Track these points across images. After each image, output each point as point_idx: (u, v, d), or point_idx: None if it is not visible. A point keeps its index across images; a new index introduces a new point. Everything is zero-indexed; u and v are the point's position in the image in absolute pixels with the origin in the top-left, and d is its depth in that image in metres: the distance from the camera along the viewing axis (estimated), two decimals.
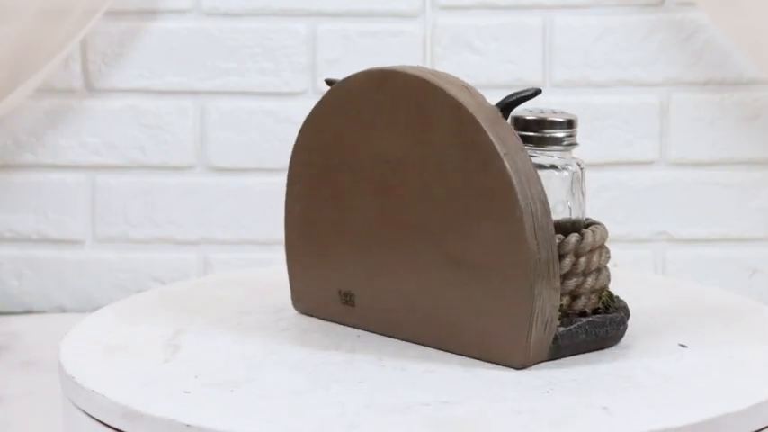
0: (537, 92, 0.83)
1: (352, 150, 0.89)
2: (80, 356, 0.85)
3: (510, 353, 0.81)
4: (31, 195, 1.61)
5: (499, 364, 0.82)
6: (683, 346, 0.86)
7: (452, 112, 0.82)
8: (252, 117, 1.59)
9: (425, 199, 0.85)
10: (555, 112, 0.87)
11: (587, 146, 1.58)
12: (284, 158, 1.59)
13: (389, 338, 0.88)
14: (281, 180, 1.60)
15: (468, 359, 0.83)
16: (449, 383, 0.79)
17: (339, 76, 1.57)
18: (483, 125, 0.81)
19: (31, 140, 1.60)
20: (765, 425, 0.75)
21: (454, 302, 0.84)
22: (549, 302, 0.80)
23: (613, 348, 0.85)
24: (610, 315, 0.86)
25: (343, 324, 0.92)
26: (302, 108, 1.58)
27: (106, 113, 1.60)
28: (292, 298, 0.96)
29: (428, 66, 1.58)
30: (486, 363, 0.82)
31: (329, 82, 0.91)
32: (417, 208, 0.85)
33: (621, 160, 1.59)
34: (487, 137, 0.80)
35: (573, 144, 0.87)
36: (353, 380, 0.80)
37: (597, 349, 0.85)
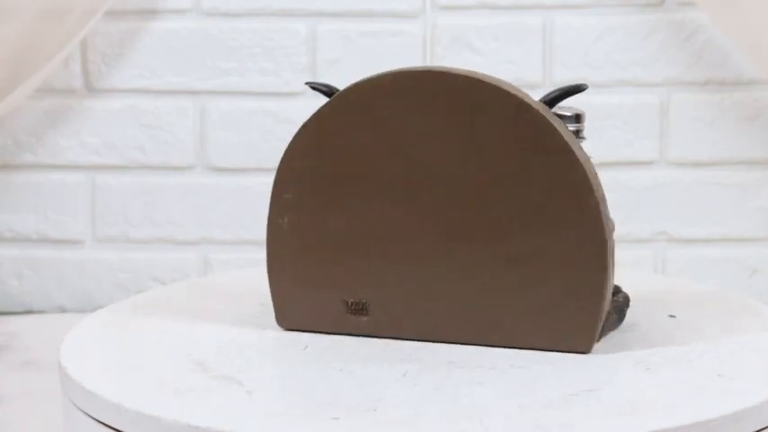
0: (581, 87, 0.86)
1: (372, 155, 0.86)
2: (80, 357, 0.85)
3: (579, 339, 0.84)
4: (31, 195, 1.61)
5: (564, 352, 0.85)
6: (671, 316, 0.88)
7: (513, 109, 0.83)
8: (252, 117, 1.60)
9: (473, 199, 0.85)
10: (562, 107, 0.88)
11: (587, 146, 1.58)
12: None
13: (427, 342, 0.87)
14: None
15: (521, 351, 0.86)
16: (562, 375, 0.80)
17: (339, 75, 1.58)
18: (549, 119, 0.83)
19: (31, 140, 1.60)
20: (765, 425, 0.75)
21: (507, 298, 0.85)
22: (610, 288, 0.84)
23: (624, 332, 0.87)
24: (621, 297, 0.90)
25: (349, 334, 0.89)
26: (302, 108, 1.59)
27: (106, 113, 1.60)
28: (277, 315, 0.91)
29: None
30: (549, 352, 0.85)
31: (316, 87, 0.90)
32: (459, 207, 0.85)
33: (621, 160, 1.59)
34: (555, 130, 0.83)
35: (581, 138, 0.88)
36: (477, 381, 0.79)
37: (615, 329, 0.89)
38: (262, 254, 1.60)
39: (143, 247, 1.61)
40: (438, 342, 0.87)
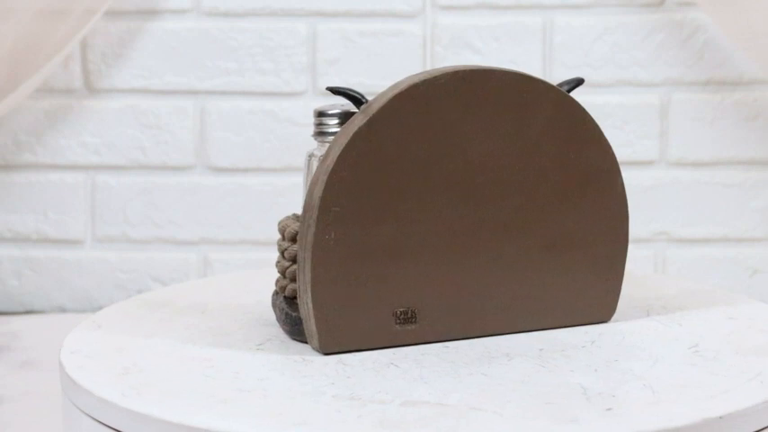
0: (580, 81, 0.92)
1: (426, 158, 0.84)
2: (80, 357, 0.85)
3: (602, 310, 0.92)
4: (31, 195, 1.61)
5: (588, 324, 0.91)
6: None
7: (554, 101, 0.88)
8: (252, 117, 1.60)
9: (520, 191, 0.87)
10: None
11: None
12: (284, 158, 1.60)
13: (479, 338, 0.88)
14: (281, 180, 1.61)
15: (552, 331, 0.90)
16: (623, 345, 0.86)
17: (339, 75, 1.58)
18: (586, 110, 0.91)
19: (31, 140, 1.60)
20: (765, 425, 0.75)
21: (546, 283, 0.89)
22: None
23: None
24: None
25: (396, 346, 0.86)
26: (302, 108, 1.59)
27: (106, 113, 1.60)
28: (319, 342, 0.84)
29: (428, 66, 1.58)
30: (576, 326, 0.91)
31: (336, 91, 0.87)
32: (509, 202, 0.87)
33: (621, 160, 1.59)
34: (592, 120, 0.91)
35: None
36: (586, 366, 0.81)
37: None
38: (262, 254, 1.61)
39: (143, 247, 1.61)
40: (481, 337, 0.89)
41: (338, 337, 0.84)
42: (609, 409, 0.72)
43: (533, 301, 0.90)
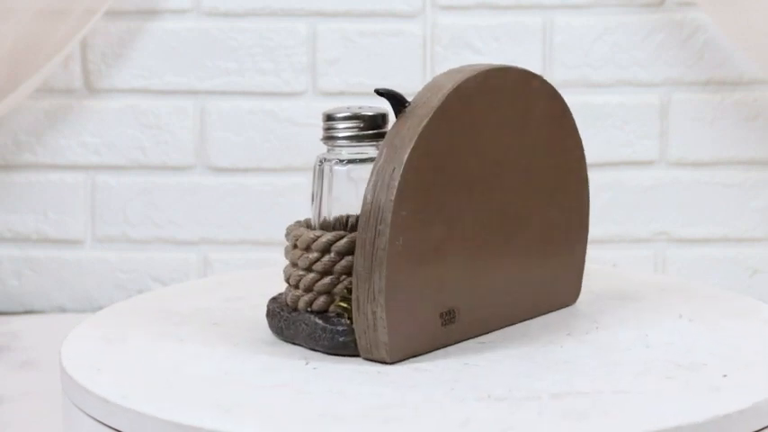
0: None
1: (466, 158, 0.84)
2: (81, 357, 0.85)
3: (573, 295, 0.97)
4: (31, 195, 1.61)
5: (562, 308, 0.96)
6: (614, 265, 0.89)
7: (547, 96, 0.91)
8: (252, 117, 1.60)
9: (522, 185, 0.90)
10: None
11: (587, 146, 1.58)
12: (284, 158, 1.60)
13: (483, 336, 0.89)
14: (281, 180, 1.61)
15: (540, 318, 0.94)
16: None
17: (339, 75, 1.58)
18: (565, 101, 0.93)
19: (31, 140, 1.60)
20: (765, 425, 0.75)
21: (542, 274, 0.93)
22: None
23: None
24: None
25: (438, 348, 0.86)
26: (302, 108, 1.59)
27: (106, 113, 1.60)
28: (389, 350, 0.82)
29: (428, 66, 1.58)
30: (552, 312, 0.95)
31: (383, 93, 0.83)
32: (519, 199, 0.90)
33: (621, 160, 1.59)
34: (570, 111, 0.94)
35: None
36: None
37: None
38: (262, 254, 1.61)
39: (143, 247, 1.61)
40: (499, 329, 0.90)
41: (402, 345, 0.83)
42: (716, 390, 0.73)
43: (531, 290, 0.93)
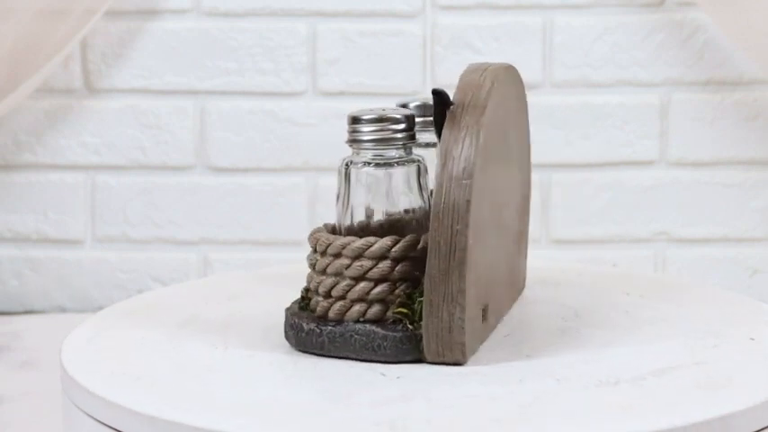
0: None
1: (497, 154, 0.87)
2: (81, 357, 0.85)
3: (524, 282, 1.04)
4: (31, 195, 1.61)
5: (519, 295, 1.02)
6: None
7: (524, 95, 0.96)
8: (252, 117, 1.60)
9: (513, 181, 0.95)
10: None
11: (587, 146, 1.58)
12: (284, 158, 1.60)
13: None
14: (281, 180, 1.61)
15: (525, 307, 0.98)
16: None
17: (339, 75, 1.58)
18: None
19: (31, 140, 1.60)
20: (765, 425, 0.75)
21: (517, 263, 1.00)
22: None
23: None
24: None
25: (480, 344, 0.87)
26: (302, 108, 1.59)
27: (106, 113, 1.60)
28: (466, 351, 0.82)
29: (428, 66, 1.58)
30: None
31: (438, 93, 0.82)
32: (509, 189, 0.94)
33: (621, 160, 1.59)
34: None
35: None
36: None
37: None
38: (262, 254, 1.61)
39: (143, 247, 1.61)
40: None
41: (470, 345, 0.83)
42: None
43: (512, 280, 0.98)
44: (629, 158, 1.59)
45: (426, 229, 0.83)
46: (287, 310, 0.86)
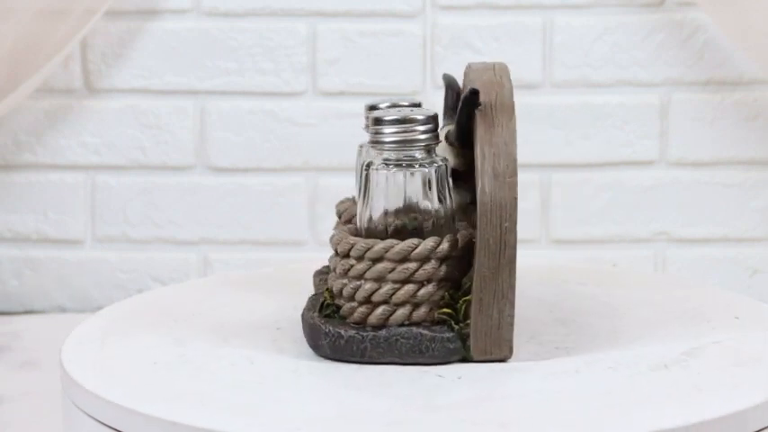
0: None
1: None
2: (81, 357, 0.85)
3: None
4: (31, 195, 1.61)
5: None
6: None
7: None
8: (252, 117, 1.59)
9: None
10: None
11: (587, 146, 1.58)
12: (284, 158, 1.60)
13: None
14: (281, 180, 1.61)
15: None
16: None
17: (339, 75, 1.58)
18: None
19: (31, 140, 1.60)
20: (765, 425, 0.75)
21: None
22: None
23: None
24: None
25: None
26: (302, 108, 1.59)
27: (106, 113, 1.60)
28: (510, 349, 0.84)
29: (428, 66, 1.58)
30: None
31: (475, 92, 0.82)
32: None
33: (621, 160, 1.59)
34: None
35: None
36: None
37: None
38: (262, 254, 1.61)
39: (143, 247, 1.61)
40: None
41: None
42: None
43: None
44: (629, 158, 1.59)
45: (445, 231, 0.83)
46: (310, 317, 0.84)
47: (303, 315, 0.85)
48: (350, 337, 0.82)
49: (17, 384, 1.34)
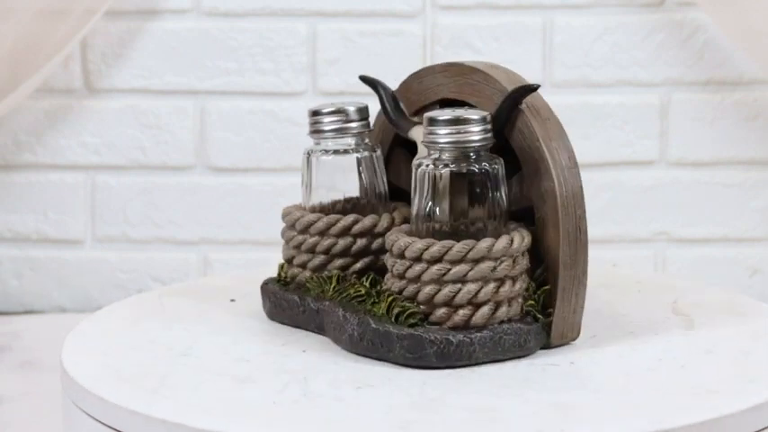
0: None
1: None
2: (81, 356, 0.85)
3: None
4: (31, 195, 1.61)
5: None
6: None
7: None
8: (252, 117, 1.60)
9: None
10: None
11: (587, 146, 1.58)
12: (284, 158, 1.60)
13: None
14: (282, 180, 1.61)
15: None
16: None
17: (339, 75, 1.58)
18: None
19: (31, 140, 1.60)
20: (765, 425, 0.75)
21: None
22: None
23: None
24: None
25: None
26: (302, 108, 1.59)
27: (106, 113, 1.60)
28: (578, 331, 0.87)
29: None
30: None
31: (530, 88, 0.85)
32: None
33: (621, 160, 1.59)
34: None
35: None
36: None
37: None
38: (262, 254, 1.61)
39: (143, 247, 1.61)
40: None
41: None
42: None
43: None
44: (629, 158, 1.59)
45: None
46: (408, 329, 0.81)
47: (388, 330, 0.82)
48: (459, 341, 0.81)
49: (17, 384, 1.34)
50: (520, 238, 0.83)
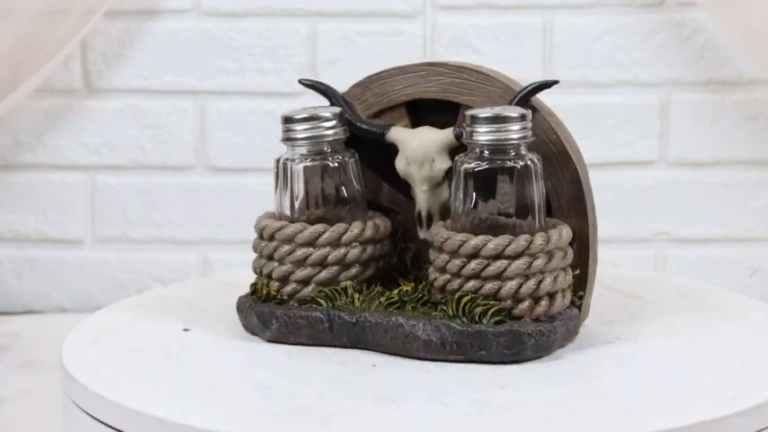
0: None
1: None
2: (81, 356, 0.85)
3: None
4: (31, 195, 1.61)
5: None
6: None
7: None
8: (252, 117, 1.60)
9: None
10: None
11: (587, 146, 1.58)
12: None
13: None
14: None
15: None
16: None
17: (339, 75, 1.58)
18: None
19: (31, 140, 1.60)
20: (765, 425, 0.75)
21: None
22: None
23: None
24: None
25: None
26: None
27: (106, 113, 1.60)
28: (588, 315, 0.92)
29: None
30: None
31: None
32: None
33: (621, 160, 1.59)
34: None
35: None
36: None
37: None
38: None
39: (143, 247, 1.61)
40: None
41: None
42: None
43: None
44: (629, 158, 1.59)
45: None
46: (504, 326, 0.82)
47: (481, 329, 0.82)
48: (548, 332, 0.83)
49: (17, 384, 1.34)
50: (567, 230, 0.86)
